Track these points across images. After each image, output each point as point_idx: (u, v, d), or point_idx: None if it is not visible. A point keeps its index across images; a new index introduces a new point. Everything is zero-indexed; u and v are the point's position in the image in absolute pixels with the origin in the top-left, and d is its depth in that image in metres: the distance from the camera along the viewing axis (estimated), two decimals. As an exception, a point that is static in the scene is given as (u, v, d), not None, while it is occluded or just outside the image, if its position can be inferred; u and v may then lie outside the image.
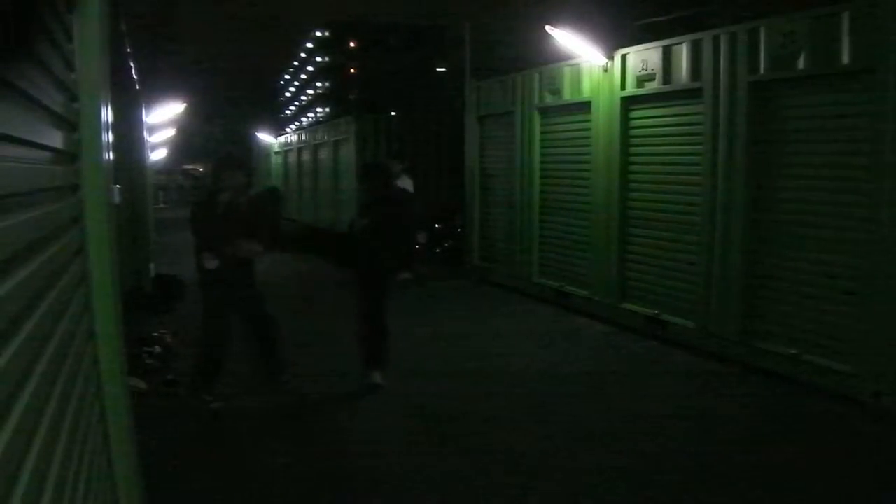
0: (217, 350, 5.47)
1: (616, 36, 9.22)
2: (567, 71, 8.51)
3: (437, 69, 59.43)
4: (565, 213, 8.80)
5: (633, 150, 7.51)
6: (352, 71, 73.41)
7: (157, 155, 20.25)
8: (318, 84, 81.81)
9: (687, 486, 4.06)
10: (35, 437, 1.41)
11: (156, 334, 6.85)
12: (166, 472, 4.11)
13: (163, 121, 14.95)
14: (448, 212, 12.60)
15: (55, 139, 1.92)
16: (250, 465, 4.42)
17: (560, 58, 8.72)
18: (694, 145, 6.67)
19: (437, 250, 12.70)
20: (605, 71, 7.73)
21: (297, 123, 76.93)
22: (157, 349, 6.53)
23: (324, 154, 19.81)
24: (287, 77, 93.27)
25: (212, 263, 5.29)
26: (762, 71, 5.92)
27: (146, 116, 11.83)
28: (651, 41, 7.35)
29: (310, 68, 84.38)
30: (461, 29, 13.34)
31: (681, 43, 6.77)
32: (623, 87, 7.52)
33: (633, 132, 7.50)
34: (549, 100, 8.93)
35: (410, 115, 17.26)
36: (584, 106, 8.16)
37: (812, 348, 5.58)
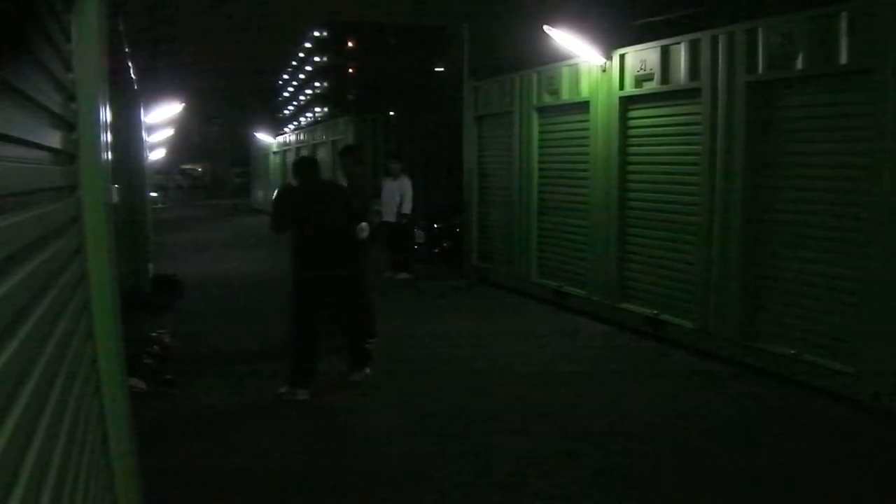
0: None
1: (614, 36, 9.21)
2: (565, 71, 8.51)
3: (436, 69, 59.46)
4: (564, 212, 8.80)
5: (632, 149, 7.51)
6: (350, 71, 73.36)
7: (156, 155, 20.24)
8: (317, 84, 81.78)
9: (686, 486, 4.06)
10: (34, 437, 1.41)
11: (155, 334, 6.85)
12: (165, 471, 4.10)
13: (161, 121, 14.94)
14: (447, 212, 12.59)
15: (53, 139, 1.91)
16: (249, 463, 4.41)
17: (558, 58, 8.71)
18: (692, 145, 6.67)
19: (436, 250, 12.70)
20: (604, 71, 7.73)
21: (295, 123, 76.89)
22: (156, 349, 6.53)
23: (322, 154, 19.81)
24: (286, 77, 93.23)
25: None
26: (760, 71, 5.92)
27: (145, 116, 11.81)
28: (649, 41, 7.35)
29: (308, 68, 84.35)
30: (460, 29, 13.34)
31: (679, 43, 6.77)
32: (621, 86, 7.52)
33: (632, 132, 7.50)
34: (548, 100, 8.92)
35: (409, 114, 17.23)
36: (583, 106, 8.16)
37: (812, 348, 5.58)
